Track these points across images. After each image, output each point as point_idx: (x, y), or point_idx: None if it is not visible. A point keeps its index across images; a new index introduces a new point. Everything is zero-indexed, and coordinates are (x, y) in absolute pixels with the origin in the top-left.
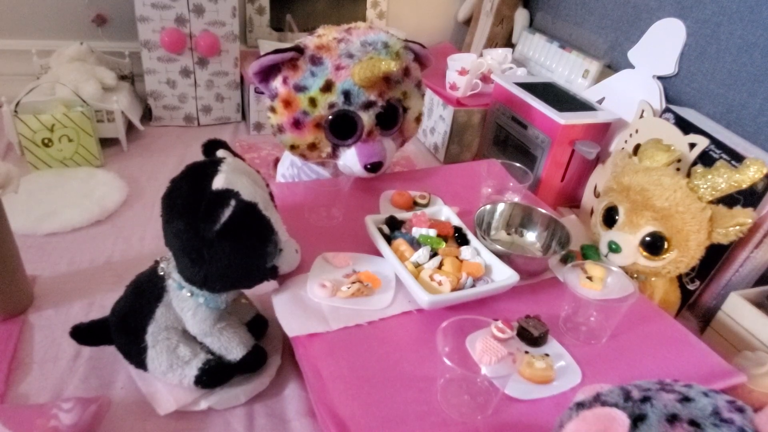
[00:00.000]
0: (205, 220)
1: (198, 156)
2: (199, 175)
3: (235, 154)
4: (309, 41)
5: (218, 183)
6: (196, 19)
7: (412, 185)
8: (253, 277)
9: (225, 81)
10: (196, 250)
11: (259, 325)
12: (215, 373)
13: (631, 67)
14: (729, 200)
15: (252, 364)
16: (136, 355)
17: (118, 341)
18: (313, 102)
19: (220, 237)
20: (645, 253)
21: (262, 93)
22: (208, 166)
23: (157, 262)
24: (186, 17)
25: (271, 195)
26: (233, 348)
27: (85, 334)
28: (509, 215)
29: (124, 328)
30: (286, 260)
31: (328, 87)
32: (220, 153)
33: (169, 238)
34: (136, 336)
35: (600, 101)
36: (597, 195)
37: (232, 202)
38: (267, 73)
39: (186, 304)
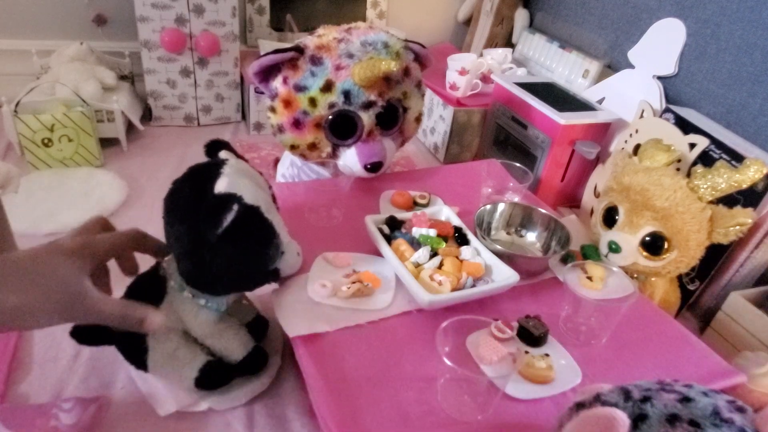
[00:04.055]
0: (207, 223)
1: (198, 155)
2: (201, 177)
3: (238, 155)
4: (309, 41)
5: (221, 186)
6: (196, 19)
7: (412, 185)
8: (255, 281)
9: (225, 81)
10: (197, 253)
11: (260, 327)
12: (215, 375)
13: (631, 67)
14: (729, 200)
15: (253, 365)
16: (137, 356)
17: (119, 341)
18: (313, 102)
19: (222, 241)
20: (645, 253)
21: (262, 93)
22: (210, 168)
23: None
24: (186, 17)
25: (273, 197)
26: (234, 349)
27: (85, 334)
28: (509, 215)
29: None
30: (288, 263)
31: (328, 87)
32: (223, 154)
33: (171, 241)
34: (136, 337)
35: (600, 101)
36: (597, 195)
37: (235, 206)
38: (267, 73)
39: (187, 306)
